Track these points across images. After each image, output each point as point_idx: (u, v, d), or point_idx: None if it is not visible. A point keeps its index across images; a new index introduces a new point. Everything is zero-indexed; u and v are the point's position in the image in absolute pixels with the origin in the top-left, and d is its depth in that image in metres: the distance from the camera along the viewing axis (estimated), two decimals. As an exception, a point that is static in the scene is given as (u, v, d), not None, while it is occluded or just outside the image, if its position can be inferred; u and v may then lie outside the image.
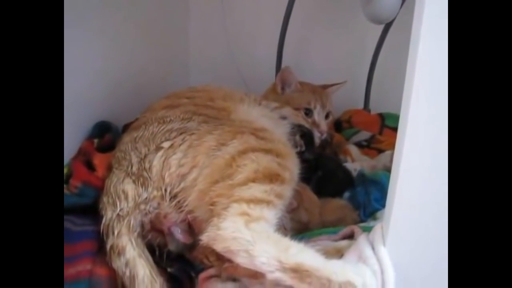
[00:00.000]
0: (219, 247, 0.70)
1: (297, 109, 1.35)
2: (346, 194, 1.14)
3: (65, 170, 0.96)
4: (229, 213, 0.73)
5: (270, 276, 0.65)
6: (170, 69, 1.62)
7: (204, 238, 0.72)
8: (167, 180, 0.82)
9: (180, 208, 0.82)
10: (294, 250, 0.66)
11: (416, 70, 0.56)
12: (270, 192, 0.78)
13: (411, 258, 0.63)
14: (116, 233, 0.77)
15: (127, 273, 0.74)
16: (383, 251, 0.63)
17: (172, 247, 0.84)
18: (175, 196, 0.82)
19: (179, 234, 0.83)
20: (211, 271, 0.83)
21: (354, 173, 1.21)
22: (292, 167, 0.89)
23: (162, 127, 0.89)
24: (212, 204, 0.77)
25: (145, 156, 0.85)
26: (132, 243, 0.77)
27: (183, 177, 0.82)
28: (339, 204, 1.04)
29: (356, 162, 1.30)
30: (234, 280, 0.82)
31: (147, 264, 0.76)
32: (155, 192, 0.82)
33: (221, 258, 0.80)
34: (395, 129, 1.56)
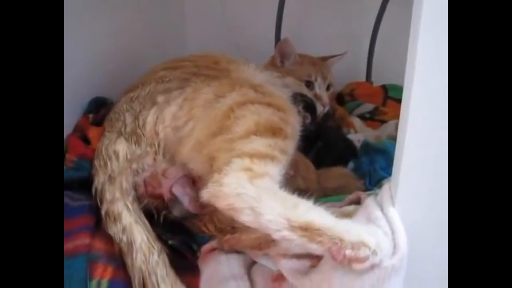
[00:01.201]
0: (221, 204, 0.66)
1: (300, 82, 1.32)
2: (350, 165, 1.11)
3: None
4: (231, 168, 0.69)
5: (277, 235, 0.61)
6: (167, 44, 1.58)
7: (205, 195, 0.68)
8: (161, 134, 0.80)
9: (173, 161, 0.79)
10: (303, 208, 0.62)
11: (420, 37, 0.53)
12: (274, 146, 0.74)
13: (422, 218, 0.60)
14: (110, 198, 0.75)
15: (124, 239, 0.72)
16: (392, 212, 0.60)
17: (176, 212, 0.82)
18: (169, 149, 0.80)
19: (188, 203, 0.80)
20: (213, 244, 0.81)
21: (358, 144, 1.19)
22: (294, 122, 0.85)
23: (160, 87, 0.87)
24: (211, 159, 0.74)
25: (140, 112, 0.82)
26: (128, 208, 0.75)
27: (178, 129, 0.79)
28: (340, 172, 1.01)
29: (360, 133, 1.27)
30: (238, 252, 0.80)
31: (144, 230, 0.73)
32: (148, 149, 0.80)
33: (221, 230, 0.78)
34: (399, 101, 1.53)
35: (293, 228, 0.60)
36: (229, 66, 0.97)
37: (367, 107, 1.49)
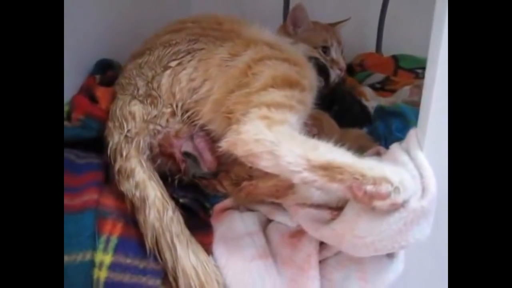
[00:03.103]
0: (240, 151, 0.64)
1: (314, 48, 1.28)
2: (364, 130, 1.08)
3: (66, 108, 0.90)
4: (249, 118, 0.67)
5: (297, 178, 0.59)
6: (171, 8, 1.55)
7: (223, 144, 0.66)
8: (177, 96, 0.77)
9: (193, 122, 0.77)
10: (324, 149, 0.60)
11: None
12: (291, 97, 0.73)
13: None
14: (124, 155, 0.72)
15: (137, 194, 0.69)
16: (421, 156, 0.57)
17: (192, 171, 0.80)
18: (187, 111, 0.77)
19: (202, 160, 0.78)
20: (227, 203, 0.79)
21: (372, 110, 1.15)
22: (310, 76, 0.84)
23: (168, 50, 0.84)
24: (229, 112, 0.72)
25: (153, 77, 0.80)
26: (142, 165, 0.72)
27: (195, 90, 0.77)
28: (358, 133, 0.99)
29: (373, 101, 1.24)
30: (252, 210, 0.78)
31: (158, 186, 0.70)
32: (164, 109, 0.77)
33: (237, 184, 0.75)
34: (409, 71, 1.51)
35: (313, 168, 0.57)
36: (234, 26, 0.95)
37: (378, 77, 1.46)
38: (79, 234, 0.67)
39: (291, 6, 1.53)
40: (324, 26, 1.35)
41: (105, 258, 0.66)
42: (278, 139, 0.61)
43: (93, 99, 0.90)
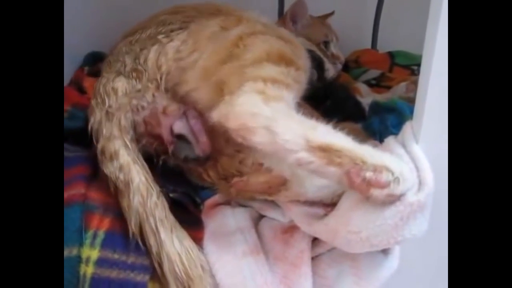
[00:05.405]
0: (232, 124, 0.60)
1: (316, 44, 1.28)
2: (359, 126, 1.06)
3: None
4: (244, 91, 0.63)
5: (293, 158, 0.55)
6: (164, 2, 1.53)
7: (214, 115, 0.63)
8: (163, 68, 0.74)
9: (176, 95, 0.74)
10: (323, 130, 0.57)
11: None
12: (288, 75, 0.70)
13: (446, 155, 0.55)
14: (106, 135, 0.70)
15: (121, 177, 0.67)
16: (417, 149, 0.55)
17: (182, 154, 0.76)
18: (172, 82, 0.74)
19: (196, 142, 0.75)
20: (218, 198, 0.77)
21: (366, 107, 1.14)
22: (304, 58, 0.81)
23: (160, 29, 0.81)
24: (221, 84, 0.69)
25: (140, 52, 0.77)
26: (126, 146, 0.69)
27: (181, 60, 0.74)
28: (352, 127, 0.96)
29: (368, 97, 1.22)
30: (244, 206, 0.76)
31: (143, 170, 0.68)
32: (149, 84, 0.74)
33: (225, 178, 0.73)
34: (405, 67, 1.49)
35: (311, 148, 0.54)
36: (235, 12, 0.92)
37: (373, 73, 1.44)
38: (66, 229, 0.65)
39: (286, 2, 1.52)
40: (320, 21, 1.34)
41: (92, 253, 0.64)
42: (275, 115, 0.58)
43: (82, 90, 0.89)
